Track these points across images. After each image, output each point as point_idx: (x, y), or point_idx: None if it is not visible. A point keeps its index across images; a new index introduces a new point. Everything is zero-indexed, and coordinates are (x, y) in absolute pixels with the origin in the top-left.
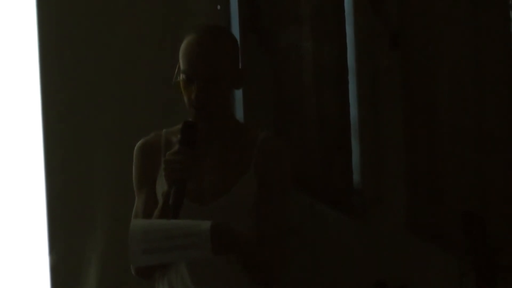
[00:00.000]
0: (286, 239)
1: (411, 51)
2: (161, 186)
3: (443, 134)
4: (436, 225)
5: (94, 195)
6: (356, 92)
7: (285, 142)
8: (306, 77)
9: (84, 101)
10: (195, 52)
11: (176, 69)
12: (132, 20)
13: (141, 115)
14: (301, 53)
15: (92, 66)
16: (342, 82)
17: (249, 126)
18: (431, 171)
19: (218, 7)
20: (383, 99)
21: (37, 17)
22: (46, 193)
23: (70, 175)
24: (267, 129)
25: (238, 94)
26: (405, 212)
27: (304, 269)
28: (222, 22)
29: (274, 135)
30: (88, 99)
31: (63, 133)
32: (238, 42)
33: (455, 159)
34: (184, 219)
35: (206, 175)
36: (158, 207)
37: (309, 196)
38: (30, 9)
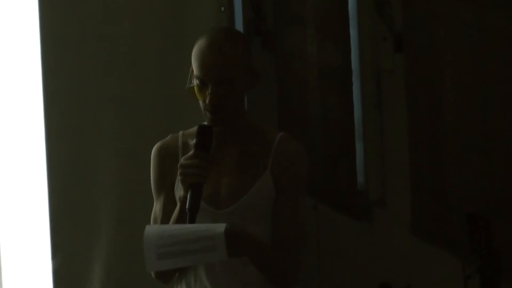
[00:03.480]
0: (301, 242)
1: (416, 53)
2: (179, 189)
3: (447, 137)
4: (441, 227)
5: (98, 196)
6: (360, 94)
7: (302, 144)
8: (310, 80)
9: (86, 101)
10: (207, 56)
11: (190, 74)
12: (134, 22)
13: (144, 116)
14: (305, 56)
15: (95, 68)
16: (346, 84)
17: (266, 128)
18: (435, 173)
19: (222, 9)
20: (387, 101)
21: (39, 17)
22: (49, 195)
23: (73, 177)
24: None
25: None
26: (409, 214)
27: (308, 271)
28: (225, 24)
29: (290, 137)
30: (90, 100)
31: (66, 134)
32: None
33: (459, 161)
34: (201, 223)
35: (222, 178)
36: (175, 212)
37: (313, 198)
38: (32, 9)
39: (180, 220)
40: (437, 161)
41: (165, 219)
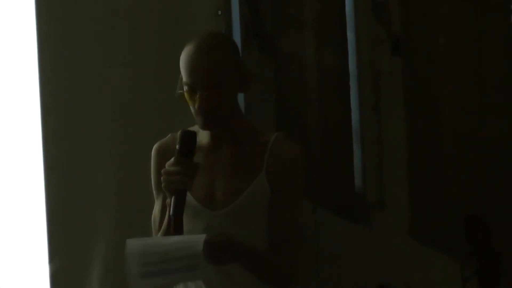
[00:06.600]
0: (298, 243)
1: (413, 56)
2: None
3: (445, 139)
4: (439, 229)
5: (95, 199)
6: (358, 97)
7: (298, 144)
8: (308, 82)
9: (84, 102)
10: (195, 62)
11: (179, 81)
12: (132, 26)
13: (142, 118)
14: (303, 59)
15: (92, 69)
16: (344, 87)
17: (261, 129)
18: (433, 175)
19: (219, 12)
20: (385, 104)
21: (36, 18)
22: (46, 197)
23: (71, 179)
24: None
25: (240, 99)
26: (407, 216)
27: (307, 273)
28: (223, 28)
29: (286, 137)
30: (88, 100)
31: (63, 136)
32: (238, 45)
33: (457, 163)
34: (197, 225)
35: (217, 180)
36: (166, 217)
37: (311, 200)
38: (29, 9)
39: (168, 225)
40: (435, 163)
41: (163, 220)
